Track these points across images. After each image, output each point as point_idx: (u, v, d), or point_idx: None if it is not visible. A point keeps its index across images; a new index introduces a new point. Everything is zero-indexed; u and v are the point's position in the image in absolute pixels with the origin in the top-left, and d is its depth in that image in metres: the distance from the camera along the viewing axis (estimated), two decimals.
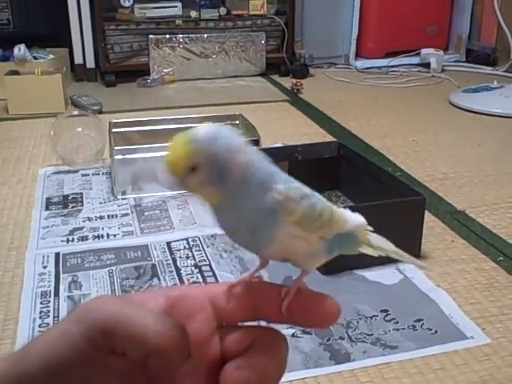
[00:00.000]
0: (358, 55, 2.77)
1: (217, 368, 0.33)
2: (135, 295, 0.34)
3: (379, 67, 2.69)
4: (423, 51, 2.67)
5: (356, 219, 0.39)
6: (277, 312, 0.35)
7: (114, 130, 1.56)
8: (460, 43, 2.84)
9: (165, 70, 2.52)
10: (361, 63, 2.73)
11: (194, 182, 0.33)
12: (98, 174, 1.55)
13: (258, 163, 0.34)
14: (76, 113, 1.72)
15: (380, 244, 0.42)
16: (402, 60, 2.71)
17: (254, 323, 0.37)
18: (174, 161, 0.33)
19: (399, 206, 1.10)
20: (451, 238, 1.20)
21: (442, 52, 2.67)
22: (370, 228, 0.40)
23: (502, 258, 1.12)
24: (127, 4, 2.48)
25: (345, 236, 0.38)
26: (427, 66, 2.63)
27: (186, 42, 2.53)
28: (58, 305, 1.00)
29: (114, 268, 1.11)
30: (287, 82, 2.46)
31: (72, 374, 0.29)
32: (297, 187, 0.35)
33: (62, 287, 1.05)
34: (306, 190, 0.35)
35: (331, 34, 2.75)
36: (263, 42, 2.59)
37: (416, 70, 2.64)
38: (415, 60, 2.71)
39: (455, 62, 2.78)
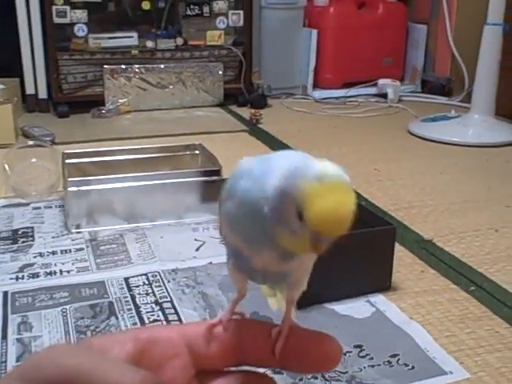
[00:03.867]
0: (315, 86, 2.77)
1: None
2: (96, 340, 0.28)
3: (337, 97, 2.69)
4: (380, 81, 2.68)
5: None
6: (267, 355, 0.30)
7: (67, 160, 1.49)
8: (415, 74, 2.87)
9: (120, 101, 2.46)
10: (318, 94, 2.73)
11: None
12: (51, 206, 1.47)
13: None
14: (31, 143, 1.65)
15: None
16: (359, 90, 2.72)
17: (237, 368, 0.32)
18: (343, 224, 0.27)
19: (369, 237, 1.06)
20: (421, 268, 1.16)
21: (398, 82, 2.69)
22: None
23: (473, 288, 1.09)
24: (81, 34, 2.42)
25: None
26: (384, 96, 2.64)
27: (141, 72, 2.48)
28: (6, 349, 0.91)
29: (67, 307, 1.03)
30: (245, 112, 2.44)
31: None
32: None
33: (10, 329, 0.97)
34: None
35: (289, 65, 2.75)
36: (221, 72, 2.56)
37: (373, 100, 2.65)
38: (372, 90, 2.72)
39: (411, 92, 2.80)
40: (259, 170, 0.30)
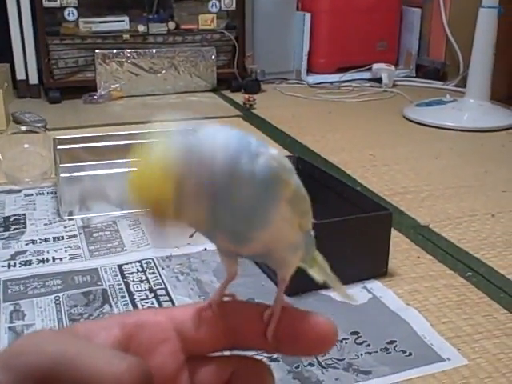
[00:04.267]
0: (309, 70, 2.74)
1: None
2: (82, 326, 0.27)
3: (331, 82, 2.67)
4: (374, 66, 2.66)
5: None
6: (259, 339, 0.29)
7: (59, 146, 1.47)
8: (409, 58, 2.85)
9: (112, 86, 2.43)
10: (312, 78, 2.71)
11: (182, 206, 0.26)
12: (43, 193, 1.45)
13: (235, 141, 0.28)
14: (24, 128, 1.63)
15: (323, 261, 0.37)
16: (353, 75, 2.69)
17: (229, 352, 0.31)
18: (154, 185, 0.26)
19: (365, 222, 1.05)
20: (417, 254, 1.16)
21: (393, 67, 2.67)
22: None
23: (470, 274, 1.08)
24: (72, 18, 2.39)
25: (309, 234, 0.33)
26: (379, 80, 2.62)
27: (133, 57, 2.45)
28: None
29: (60, 294, 1.02)
30: (239, 97, 2.41)
31: None
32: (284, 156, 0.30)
33: (2, 317, 0.95)
34: None
35: (282, 50, 2.72)
36: (213, 57, 2.54)
37: (368, 84, 2.63)
38: (366, 75, 2.70)
39: (406, 77, 2.78)
40: None
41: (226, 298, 0.31)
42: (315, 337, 0.28)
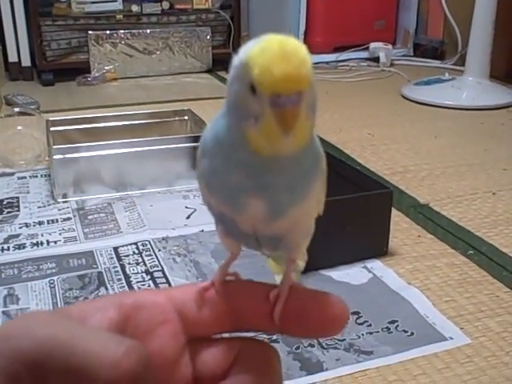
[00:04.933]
0: None
1: None
2: (75, 307, 0.25)
3: (328, 62, 2.64)
4: (372, 45, 2.63)
5: None
6: (265, 320, 0.27)
7: (52, 128, 1.44)
8: (407, 37, 2.82)
9: (106, 68, 2.40)
10: None
11: (303, 106, 0.24)
12: (36, 176, 1.43)
13: None
14: (18, 110, 1.60)
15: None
16: (350, 54, 2.66)
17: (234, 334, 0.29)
18: (296, 71, 0.23)
19: (366, 201, 1.03)
20: (418, 233, 1.14)
21: (390, 46, 2.64)
22: None
23: (472, 252, 1.07)
24: None
25: None
26: (376, 60, 2.59)
27: (127, 38, 2.42)
28: None
29: (55, 278, 1.00)
30: None
31: None
32: None
33: None
34: None
35: (278, 29, 2.66)
36: (209, 37, 2.50)
37: (365, 64, 2.60)
38: (364, 54, 2.66)
39: (403, 56, 2.75)
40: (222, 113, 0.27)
41: (228, 278, 0.30)
42: (325, 318, 0.26)
